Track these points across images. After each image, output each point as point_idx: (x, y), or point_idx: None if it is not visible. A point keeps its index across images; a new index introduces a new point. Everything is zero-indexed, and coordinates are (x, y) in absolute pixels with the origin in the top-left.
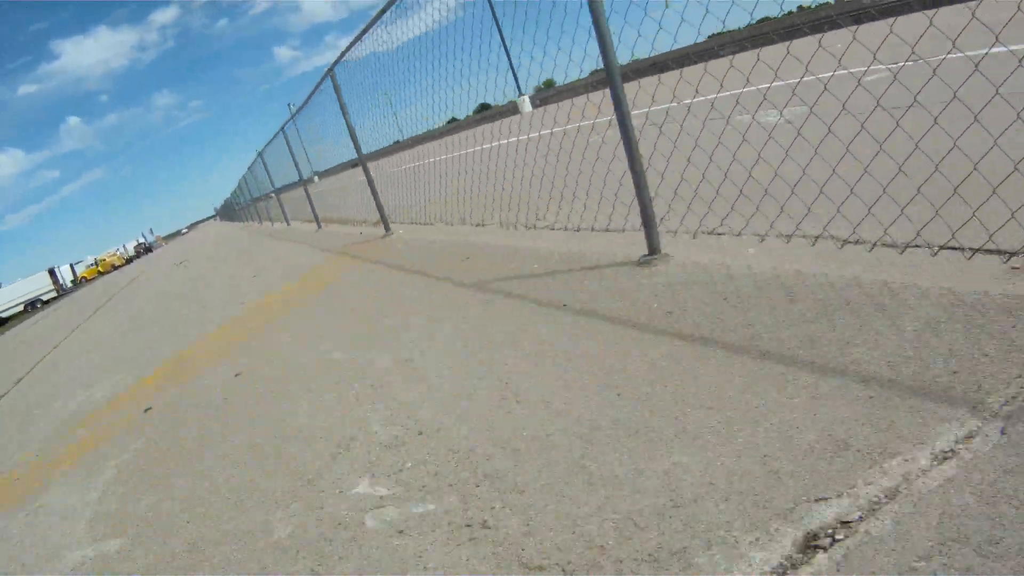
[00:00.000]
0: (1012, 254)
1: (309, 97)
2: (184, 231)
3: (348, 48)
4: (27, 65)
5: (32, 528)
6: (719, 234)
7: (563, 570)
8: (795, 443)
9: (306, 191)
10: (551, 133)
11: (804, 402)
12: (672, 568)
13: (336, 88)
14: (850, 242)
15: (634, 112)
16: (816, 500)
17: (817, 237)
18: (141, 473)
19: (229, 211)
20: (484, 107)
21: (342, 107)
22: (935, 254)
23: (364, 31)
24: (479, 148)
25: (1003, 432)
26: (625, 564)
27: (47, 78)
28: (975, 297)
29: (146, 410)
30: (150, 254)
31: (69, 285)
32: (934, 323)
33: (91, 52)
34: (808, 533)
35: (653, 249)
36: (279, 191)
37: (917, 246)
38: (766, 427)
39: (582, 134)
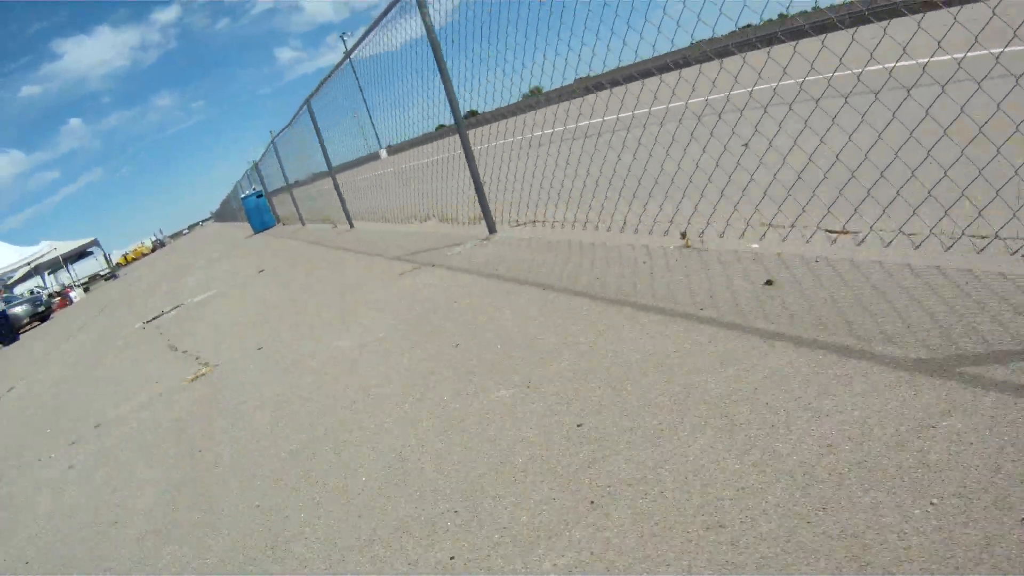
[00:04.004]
0: None
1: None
2: (185, 232)
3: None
4: (29, 65)
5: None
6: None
7: None
8: None
9: (334, 181)
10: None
11: None
12: None
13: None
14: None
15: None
16: None
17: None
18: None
19: (227, 212)
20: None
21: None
22: None
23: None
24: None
25: None
26: None
27: (49, 79)
28: None
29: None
30: (164, 247)
31: (114, 265)
32: None
33: (93, 52)
34: None
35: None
36: (293, 186)
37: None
38: None
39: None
